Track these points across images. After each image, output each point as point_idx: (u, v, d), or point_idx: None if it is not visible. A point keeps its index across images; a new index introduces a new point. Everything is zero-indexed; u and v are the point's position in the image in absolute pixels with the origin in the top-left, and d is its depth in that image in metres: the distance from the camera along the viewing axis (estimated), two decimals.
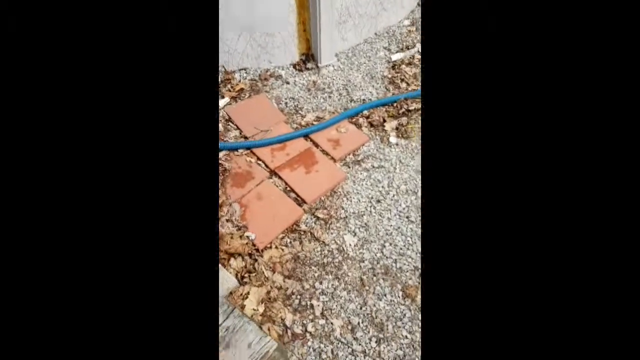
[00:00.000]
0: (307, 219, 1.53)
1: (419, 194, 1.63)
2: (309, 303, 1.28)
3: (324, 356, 1.15)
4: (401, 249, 1.45)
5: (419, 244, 1.46)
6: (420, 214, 1.56)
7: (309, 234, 1.47)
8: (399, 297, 1.31)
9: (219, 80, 2.15)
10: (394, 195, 1.63)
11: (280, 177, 1.65)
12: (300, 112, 2.02)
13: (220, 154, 1.73)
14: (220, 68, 2.16)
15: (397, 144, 1.85)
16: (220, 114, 1.95)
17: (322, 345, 1.18)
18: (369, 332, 1.22)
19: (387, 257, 1.42)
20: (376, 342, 1.20)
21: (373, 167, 1.75)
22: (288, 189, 1.62)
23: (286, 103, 2.07)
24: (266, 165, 1.70)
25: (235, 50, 2.11)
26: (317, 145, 1.81)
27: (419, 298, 1.30)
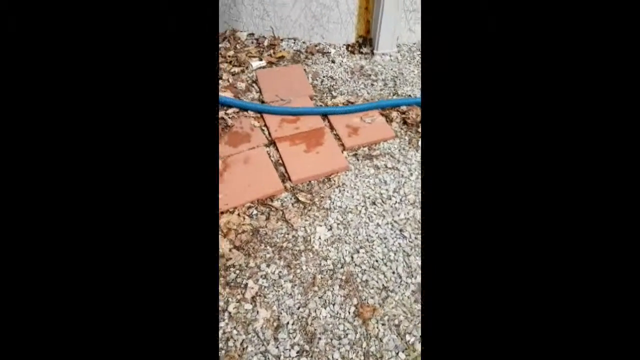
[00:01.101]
0: (285, 197, 1.37)
1: None
2: (244, 282, 1.12)
3: (230, 344, 0.99)
4: (377, 261, 1.20)
5: (402, 263, 1.19)
6: (418, 232, 1.28)
7: (280, 212, 1.31)
8: (349, 312, 1.07)
9: (265, 45, 2.10)
10: (395, 203, 1.37)
11: (277, 149, 1.52)
12: (332, 92, 1.85)
13: (229, 111, 1.66)
14: (268, 33, 2.11)
15: None
16: (250, 76, 1.89)
17: (234, 332, 1.01)
18: (294, 338, 1.01)
19: (355, 265, 1.19)
20: (297, 353, 0.99)
21: (385, 166, 1.50)
22: (280, 161, 1.48)
23: (322, 80, 1.92)
24: (269, 134, 1.58)
25: (289, 17, 2.03)
26: (332, 128, 1.63)
27: (372, 323, 1.05)
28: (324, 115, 1.68)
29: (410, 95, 1.83)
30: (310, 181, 1.42)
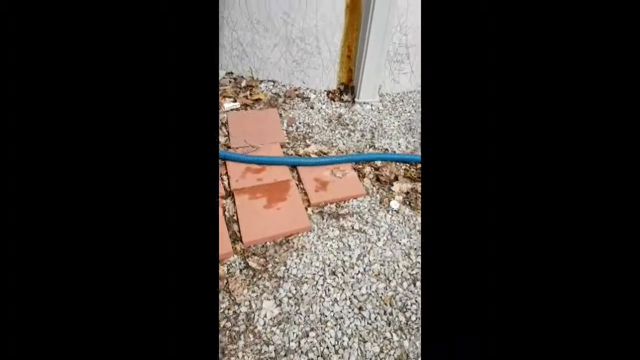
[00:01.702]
0: (234, 261, 1.22)
1: (393, 284, 1.20)
2: None
3: None
4: (328, 348, 1.03)
5: (355, 351, 1.02)
6: (379, 312, 1.13)
7: (224, 281, 1.15)
8: None
9: (243, 85, 2.02)
10: (358, 273, 1.23)
11: (234, 202, 1.39)
12: (307, 140, 1.76)
13: None
14: (247, 73, 2.04)
15: (397, 212, 1.45)
16: (220, 117, 1.80)
17: None
18: None
19: (302, 353, 1.02)
20: None
21: (352, 228, 1.37)
22: (234, 218, 1.34)
23: (297, 127, 1.83)
24: (229, 184, 1.45)
25: (269, 59, 1.97)
26: (300, 181, 1.51)
27: None
28: (293, 166, 1.56)
29: (387, 150, 1.74)
30: (265, 242, 1.28)
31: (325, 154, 1.68)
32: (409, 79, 2.08)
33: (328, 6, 1.74)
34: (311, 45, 1.87)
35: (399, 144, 1.80)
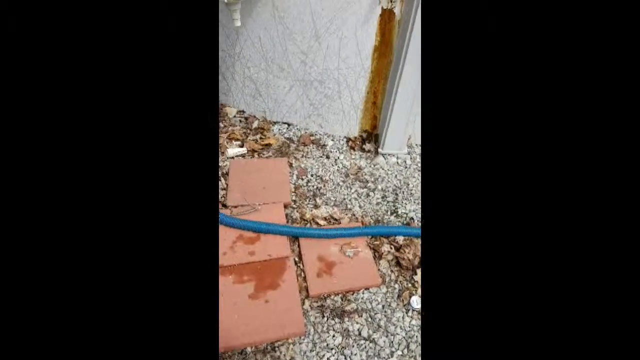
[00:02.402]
0: None
1: None
2: None
3: None
4: None
5: None
6: None
7: None
8: None
9: (254, 127, 1.81)
10: None
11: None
12: (317, 198, 1.50)
13: None
14: (260, 113, 1.83)
15: (419, 313, 1.14)
16: (222, 165, 1.58)
17: None
18: None
19: None
20: None
21: (359, 334, 1.08)
22: None
23: (308, 181, 1.58)
24: None
25: (284, 101, 1.75)
26: (300, 259, 1.24)
27: None
28: (295, 238, 1.30)
29: (412, 220, 1.44)
30: (245, 348, 1.02)
31: (336, 220, 1.41)
32: None
33: (351, 49, 1.50)
34: (332, 89, 1.63)
35: None
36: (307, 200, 1.50)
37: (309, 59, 1.54)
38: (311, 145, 1.76)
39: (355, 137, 1.80)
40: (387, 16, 1.44)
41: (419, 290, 1.20)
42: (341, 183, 1.59)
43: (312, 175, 1.61)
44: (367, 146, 1.77)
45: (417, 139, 1.80)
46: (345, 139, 1.80)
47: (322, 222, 1.38)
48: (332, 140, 1.79)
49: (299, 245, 1.28)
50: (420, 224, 1.44)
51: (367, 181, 1.61)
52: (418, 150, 1.80)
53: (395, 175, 1.65)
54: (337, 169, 1.65)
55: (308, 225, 1.38)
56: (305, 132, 1.80)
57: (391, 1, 1.42)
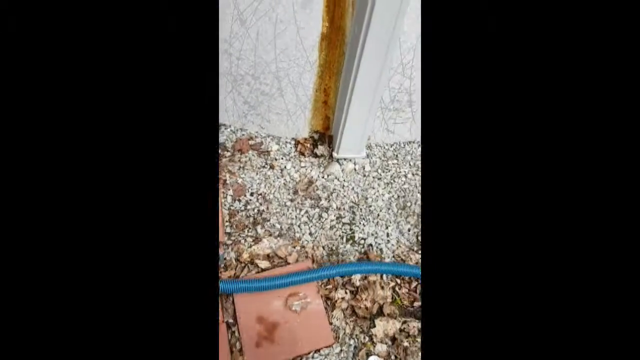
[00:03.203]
0: None
1: None
2: None
3: None
4: None
5: None
6: None
7: None
8: None
9: None
10: None
11: None
12: (257, 226, 1.22)
13: None
14: None
15: None
16: None
17: None
18: None
19: None
20: None
21: None
22: None
23: (247, 202, 1.29)
24: None
25: None
26: (235, 321, 0.99)
27: None
28: (227, 294, 1.04)
29: (370, 246, 1.23)
30: None
31: (281, 259, 1.16)
32: (408, 128, 1.54)
33: (290, 37, 1.14)
34: (270, 85, 1.28)
35: (388, 234, 1.29)
36: (246, 230, 1.22)
37: (234, 48, 1.16)
38: (251, 151, 1.44)
39: (305, 139, 1.51)
40: None
41: (377, 347, 1.02)
42: (289, 203, 1.32)
43: (252, 194, 1.31)
44: (320, 149, 1.49)
45: (376, 139, 1.55)
46: (293, 142, 1.49)
47: (263, 264, 1.13)
48: (277, 143, 1.48)
49: (233, 303, 1.02)
50: (378, 250, 1.23)
51: (320, 198, 1.36)
52: (377, 151, 1.55)
53: (353, 188, 1.41)
54: (284, 183, 1.37)
55: (245, 269, 1.12)
56: (243, 135, 1.47)
57: None
